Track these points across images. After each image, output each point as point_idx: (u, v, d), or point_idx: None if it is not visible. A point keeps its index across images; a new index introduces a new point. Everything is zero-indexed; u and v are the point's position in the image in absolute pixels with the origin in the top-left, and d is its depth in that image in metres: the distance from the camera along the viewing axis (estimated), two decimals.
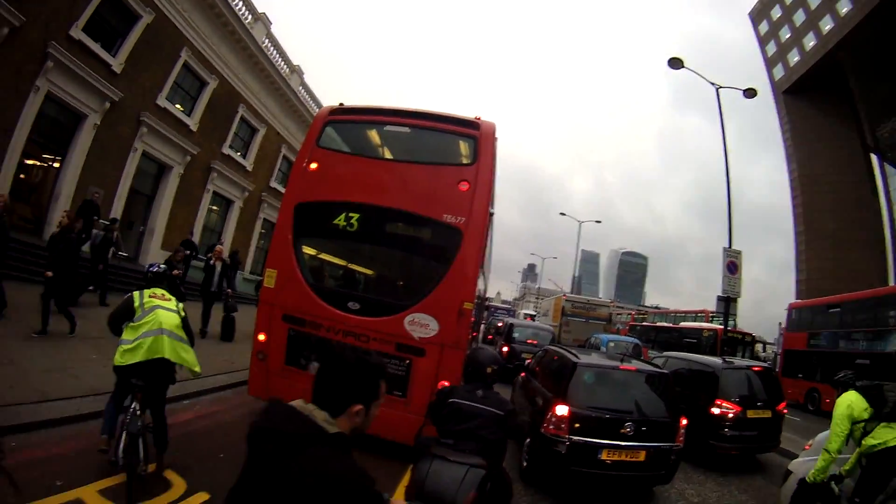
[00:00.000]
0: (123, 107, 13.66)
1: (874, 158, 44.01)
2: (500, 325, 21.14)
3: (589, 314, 27.99)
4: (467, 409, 3.02)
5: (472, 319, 5.96)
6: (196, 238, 16.17)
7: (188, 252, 12.39)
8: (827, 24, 39.61)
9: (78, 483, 3.77)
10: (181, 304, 4.36)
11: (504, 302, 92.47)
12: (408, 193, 5.74)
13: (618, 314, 47.03)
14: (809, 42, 42.32)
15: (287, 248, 5.81)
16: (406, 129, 6.17)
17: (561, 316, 28.14)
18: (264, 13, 18.98)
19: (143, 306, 4.04)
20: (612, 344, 17.51)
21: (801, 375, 17.96)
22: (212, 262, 10.71)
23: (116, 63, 13.24)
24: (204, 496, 3.92)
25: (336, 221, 5.81)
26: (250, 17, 18.27)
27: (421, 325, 5.36)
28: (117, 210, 13.95)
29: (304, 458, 1.23)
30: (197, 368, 4.26)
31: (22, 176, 12.61)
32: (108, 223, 11.21)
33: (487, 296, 16.47)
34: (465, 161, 6.03)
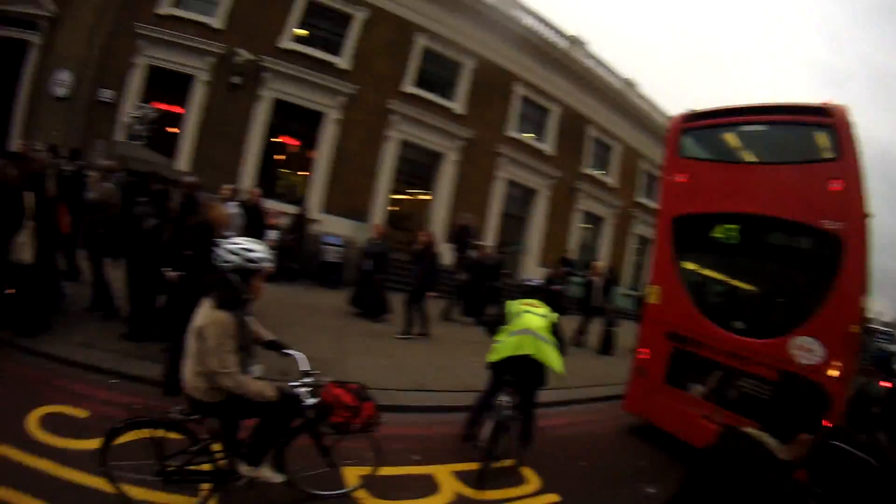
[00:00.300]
0: (478, 142, 16.40)
1: None
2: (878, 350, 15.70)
3: None
4: (854, 459, 2.47)
5: (857, 348, 5.20)
6: (574, 255, 17.20)
7: (567, 269, 13.12)
8: None
9: (434, 462, 4.23)
10: (554, 314, 4.61)
11: (885, 324, 63.62)
12: (779, 198, 5.33)
13: None
14: None
15: (667, 263, 5.91)
16: (761, 127, 5.83)
17: None
18: (577, 35, 19.69)
19: (516, 313, 4.54)
20: None
21: None
22: (591, 278, 11.28)
23: (458, 106, 16.20)
24: (554, 497, 4.07)
25: (714, 234, 5.73)
26: (566, 42, 19.21)
27: (805, 349, 4.86)
28: (490, 232, 16.43)
29: (756, 482, 1.46)
30: (558, 369, 4.38)
31: (395, 208, 16.13)
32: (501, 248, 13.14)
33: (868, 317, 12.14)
34: (828, 156, 5.31)
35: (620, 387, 6.41)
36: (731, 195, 5.57)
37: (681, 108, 6.50)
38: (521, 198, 18.19)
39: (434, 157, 16.20)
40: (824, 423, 3.64)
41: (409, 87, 15.37)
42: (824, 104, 5.38)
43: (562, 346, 4.50)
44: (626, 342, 8.92)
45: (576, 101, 19.18)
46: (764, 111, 5.78)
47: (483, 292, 10.35)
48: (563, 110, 18.69)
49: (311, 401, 2.91)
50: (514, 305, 4.60)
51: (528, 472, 4.37)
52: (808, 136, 5.65)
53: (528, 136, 17.91)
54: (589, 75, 19.41)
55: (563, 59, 18.44)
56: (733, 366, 5.20)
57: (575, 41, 19.31)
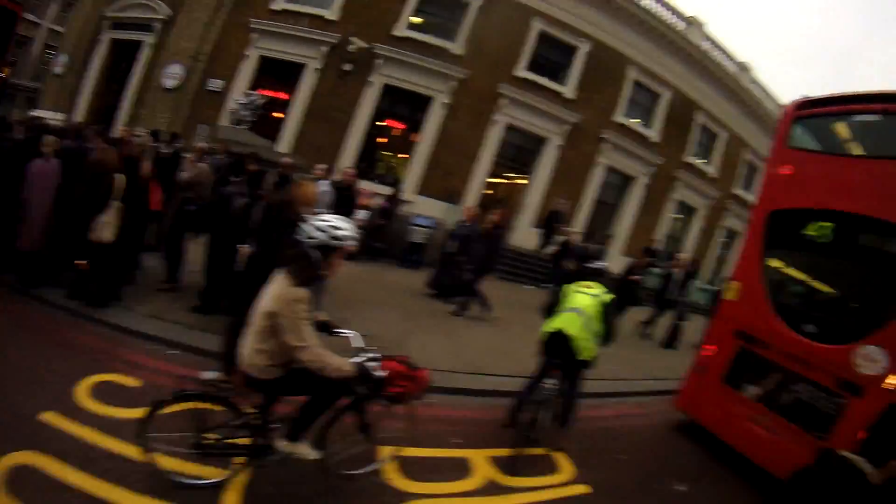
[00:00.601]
0: (584, 127, 16.39)
1: None
2: None
3: None
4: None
5: None
6: (660, 245, 17.17)
7: (650, 259, 13.14)
8: None
9: (472, 446, 4.19)
10: (608, 295, 4.53)
11: None
12: (885, 197, 4.91)
13: None
14: None
15: (754, 260, 5.70)
16: (875, 118, 5.34)
17: None
18: (695, 16, 18.84)
19: (569, 294, 4.58)
20: None
21: None
22: (671, 270, 11.02)
23: (568, 91, 16.17)
24: (584, 489, 4.03)
25: (807, 231, 5.42)
26: (683, 24, 18.49)
27: (870, 359, 4.61)
28: (581, 219, 16.69)
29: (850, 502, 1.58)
30: (585, 354, 4.36)
31: (490, 192, 16.54)
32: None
33: None
34: None
35: (676, 382, 6.29)
36: (834, 191, 5.27)
37: (794, 97, 6.14)
38: (617, 185, 18.16)
39: (537, 142, 16.39)
40: (860, 434, 3.93)
41: (521, 72, 15.51)
42: None
43: (609, 331, 4.49)
44: (692, 337, 8.74)
45: (687, 85, 18.59)
46: (883, 99, 5.35)
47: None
48: (673, 95, 18.20)
49: (380, 373, 2.90)
50: (570, 287, 4.63)
51: (563, 460, 4.37)
52: None
53: (634, 122, 17.67)
54: (704, 58, 18.64)
55: (680, 41, 17.82)
56: (793, 370, 5.11)
57: (693, 22, 18.48)
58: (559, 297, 4.63)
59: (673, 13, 18.04)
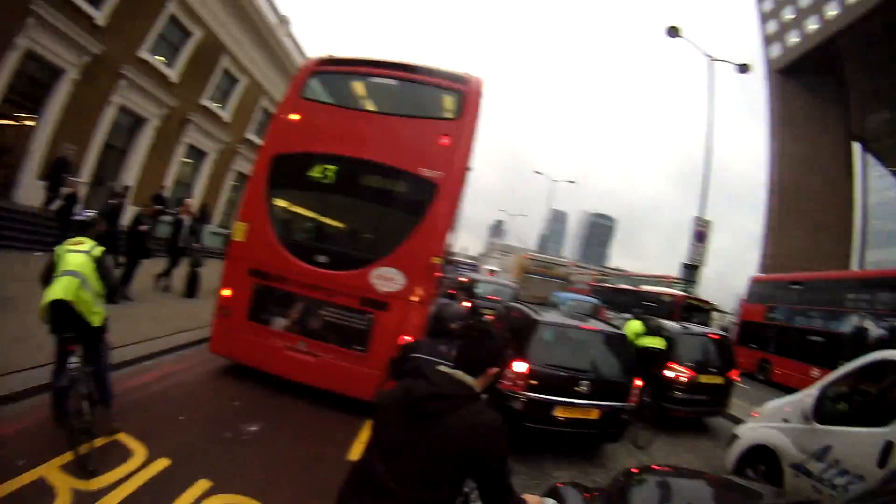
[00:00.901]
0: (105, 60, 13.62)
1: (856, 147, 45.38)
2: (462, 280, 21.53)
3: (548, 273, 30.21)
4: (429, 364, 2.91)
5: (440, 275, 6.09)
6: (167, 193, 16.24)
7: (158, 207, 12.46)
8: (832, 10, 40.69)
9: (40, 460, 3.60)
10: (99, 248, 4.12)
11: (469, 257, 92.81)
12: (387, 146, 5.82)
13: (581, 274, 49.19)
14: (811, 25, 43.46)
15: (260, 201, 5.88)
16: (393, 82, 6.22)
17: (521, 273, 29.76)
18: None
19: (61, 255, 3.99)
20: (572, 303, 17.93)
21: (754, 346, 19.43)
22: (181, 216, 10.80)
23: (101, 16, 13.20)
24: (165, 462, 3.89)
25: (312, 173, 5.91)
26: None
27: (387, 279, 5.46)
28: (89, 166, 14.09)
29: (466, 411, 1.70)
30: (95, 320, 3.95)
31: None
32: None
33: (454, 250, 16.64)
34: (449, 116, 6.15)
35: (207, 329, 6.33)
36: (340, 139, 5.89)
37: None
38: (127, 128, 15.95)
39: (53, 73, 12.58)
40: (402, 338, 4.89)
41: None
42: (466, 74, 6.22)
43: (111, 289, 4.18)
44: (212, 283, 8.62)
45: (222, 28, 18.07)
46: (403, 69, 6.25)
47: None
48: (205, 35, 17.32)
49: None
50: (62, 248, 4.05)
51: (130, 441, 4.10)
52: (436, 97, 6.30)
53: (160, 59, 15.97)
54: (248, 4, 18.59)
55: None
56: (316, 297, 5.56)
57: None
58: (52, 260, 4.01)
59: None
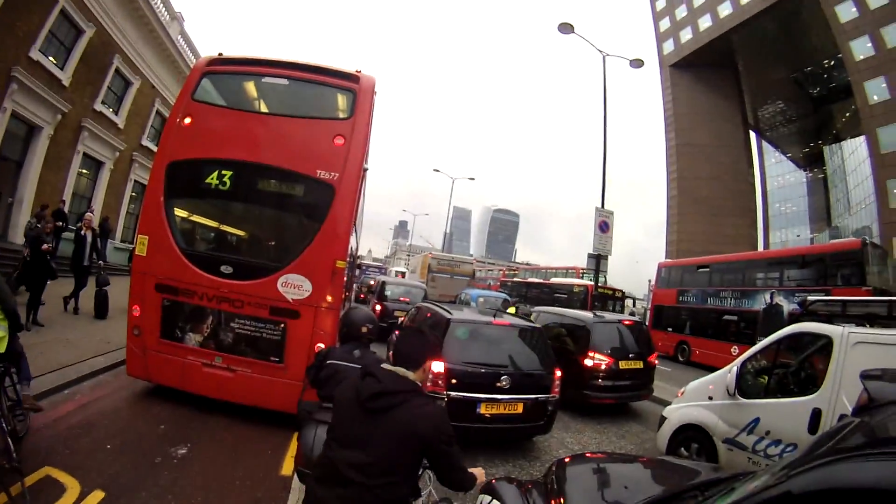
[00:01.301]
0: None
1: (753, 136, 49.36)
2: (371, 283, 21.41)
3: (454, 270, 30.52)
4: (345, 370, 3.00)
5: (345, 279, 6.03)
6: (66, 207, 15.24)
7: (59, 223, 11.78)
8: (726, 10, 43.69)
9: None
10: None
11: (375, 260, 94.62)
12: (282, 149, 5.71)
13: (489, 270, 51.52)
14: (705, 23, 46.45)
15: (158, 211, 5.64)
16: (284, 81, 6.10)
17: (427, 272, 30.11)
18: None
19: None
20: (481, 299, 18.15)
21: (670, 329, 20.33)
22: (82, 232, 10.15)
23: None
24: (100, 494, 3.76)
25: (208, 181, 5.71)
26: None
27: (294, 286, 5.37)
28: None
29: (412, 405, 1.97)
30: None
31: None
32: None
33: (359, 254, 16.55)
34: (341, 115, 6.06)
35: (122, 352, 6.20)
36: (231, 142, 5.72)
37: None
38: (21, 137, 14.66)
39: None
40: (317, 346, 4.97)
41: None
42: (357, 72, 6.10)
43: (8, 311, 3.83)
44: (123, 302, 8.13)
45: (114, 24, 17.05)
46: (295, 67, 6.12)
47: None
48: (96, 34, 16.22)
49: None
50: None
51: (61, 475, 3.95)
52: (329, 96, 6.23)
53: (51, 61, 14.80)
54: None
55: None
56: (225, 310, 5.41)
57: None
58: None
59: None
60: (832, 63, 37.66)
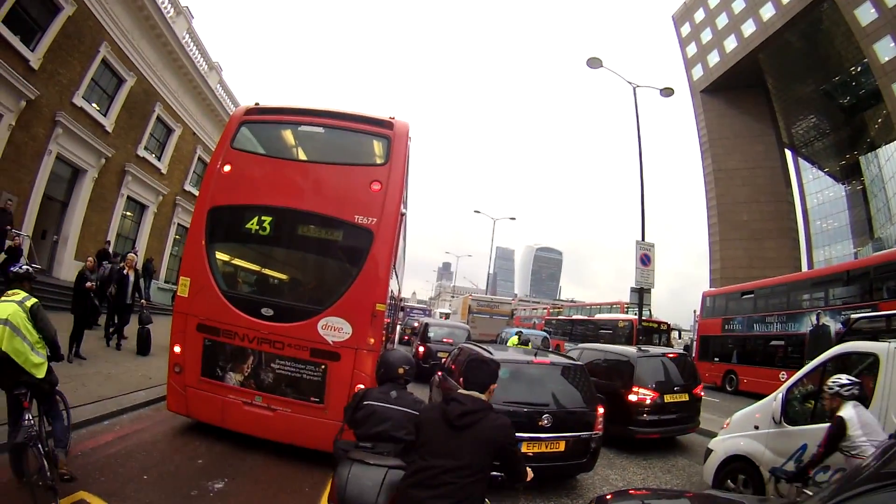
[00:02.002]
0: (40, 105, 13.15)
1: (789, 154, 48.04)
2: (415, 325, 21.73)
3: (493, 311, 32.36)
4: (381, 410, 3.07)
5: (387, 321, 6.08)
6: (111, 247, 15.80)
7: (103, 262, 12.01)
8: (749, 28, 43.21)
9: None
10: (33, 299, 4.13)
11: (419, 302, 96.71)
12: (320, 195, 5.87)
13: (533, 309, 51.98)
14: (730, 45, 45.95)
15: (200, 254, 5.80)
16: (320, 130, 6.25)
17: (468, 313, 32.01)
18: (187, 7, 18.84)
19: None
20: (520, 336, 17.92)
21: (717, 359, 19.80)
22: (125, 271, 10.47)
23: (35, 58, 12.74)
24: None
25: (249, 226, 5.87)
26: (172, 10, 18.00)
27: (334, 328, 5.43)
28: (31, 218, 13.45)
29: (488, 419, 2.48)
30: (37, 371, 3.95)
31: None
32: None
33: (402, 296, 16.72)
34: (378, 161, 6.15)
35: (163, 388, 6.29)
36: (270, 189, 5.89)
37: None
38: (67, 178, 15.35)
39: None
40: (357, 387, 5.01)
41: None
42: (391, 118, 6.17)
43: (49, 340, 4.10)
44: (164, 339, 8.67)
45: (155, 75, 17.83)
46: (330, 115, 6.29)
47: None
48: (137, 82, 16.97)
49: None
50: None
51: (95, 500, 4.01)
52: (365, 143, 6.34)
53: (94, 107, 15.46)
54: (180, 50, 18.48)
55: (163, 26, 17.04)
56: (266, 351, 5.49)
57: (181, 12, 18.32)
58: None
59: None
60: (859, 69, 36.60)
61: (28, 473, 3.67)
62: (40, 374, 3.95)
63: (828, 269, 21.79)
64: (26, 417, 3.78)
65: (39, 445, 3.74)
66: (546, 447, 5.53)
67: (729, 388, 18.33)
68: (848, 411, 3.64)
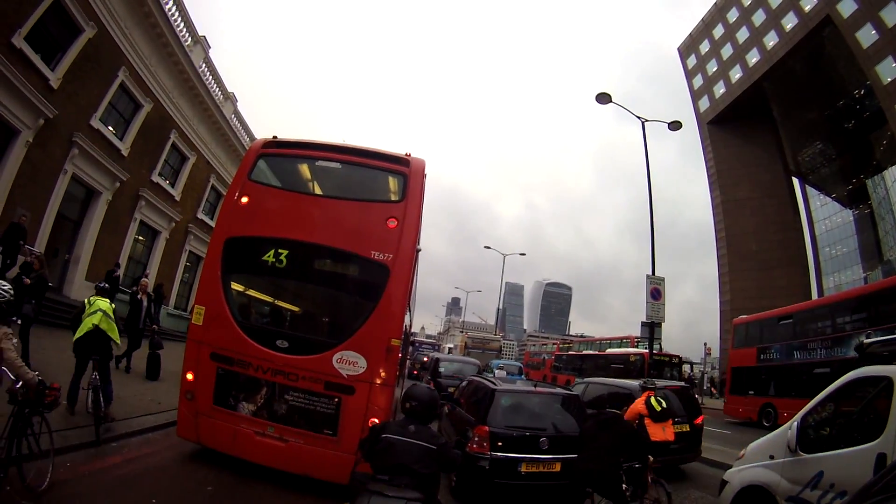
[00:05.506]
0: (58, 125, 13.17)
1: (796, 182, 47.82)
2: (425, 359, 22.27)
3: (485, 346, 38.77)
4: (400, 444, 3.09)
5: (400, 356, 6.12)
6: (121, 270, 15.60)
7: (115, 286, 11.83)
8: (753, 57, 43.81)
9: None
10: (112, 304, 6.63)
11: (428, 336, 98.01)
12: (336, 230, 5.89)
13: (543, 344, 57.43)
14: (735, 74, 46.47)
15: (216, 284, 5.81)
16: (337, 165, 6.34)
17: (465, 348, 38.76)
18: (204, 37, 19.10)
19: (90, 304, 6.47)
20: (501, 367, 19.24)
21: (752, 392, 18.22)
22: (139, 296, 10.44)
23: (54, 77, 12.82)
24: None
25: (265, 258, 5.88)
26: (190, 39, 18.25)
27: (349, 362, 5.43)
28: (44, 235, 13.36)
29: (618, 418, 4.37)
30: (118, 340, 6.67)
31: None
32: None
33: (412, 330, 16.82)
34: (394, 198, 6.22)
35: (172, 413, 6.35)
36: (287, 222, 5.95)
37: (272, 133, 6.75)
38: (80, 199, 15.34)
39: (6, 132, 12.06)
40: (371, 420, 5.09)
41: (16, 39, 11.41)
42: (407, 155, 6.26)
43: (117, 328, 6.45)
44: (173, 365, 8.43)
45: (171, 102, 17.94)
46: (347, 151, 6.38)
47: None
48: (153, 108, 17.05)
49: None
50: (89, 301, 6.50)
51: None
52: (381, 179, 6.38)
53: (111, 130, 15.57)
54: (197, 80, 18.67)
55: (180, 54, 17.25)
56: (280, 382, 5.47)
57: (199, 41, 18.58)
58: (83, 308, 6.52)
59: (186, 25, 17.44)
60: (862, 92, 36.66)
61: (76, 403, 6.25)
62: (118, 341, 6.71)
63: (877, 285, 19.65)
64: (94, 374, 6.13)
65: (95, 393, 5.96)
66: (543, 467, 5.93)
67: (766, 424, 16.30)
68: None
